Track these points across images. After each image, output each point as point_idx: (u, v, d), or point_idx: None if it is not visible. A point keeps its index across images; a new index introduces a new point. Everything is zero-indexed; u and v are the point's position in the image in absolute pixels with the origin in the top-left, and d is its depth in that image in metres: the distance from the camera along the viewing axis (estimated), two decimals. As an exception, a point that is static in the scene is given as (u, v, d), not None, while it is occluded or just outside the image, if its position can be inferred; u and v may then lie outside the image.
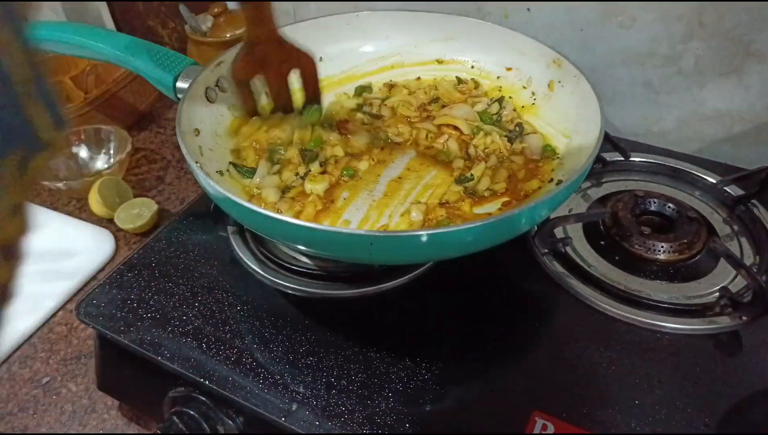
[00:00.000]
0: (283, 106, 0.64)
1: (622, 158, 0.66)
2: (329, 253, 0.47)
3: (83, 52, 0.63)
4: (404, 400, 0.45)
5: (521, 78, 0.67)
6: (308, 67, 0.62)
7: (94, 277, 0.69)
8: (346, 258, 0.48)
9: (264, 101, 0.64)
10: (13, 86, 0.16)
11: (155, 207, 0.76)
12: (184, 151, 0.50)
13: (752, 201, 0.61)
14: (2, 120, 0.16)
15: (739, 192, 0.62)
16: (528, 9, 0.72)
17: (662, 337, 0.50)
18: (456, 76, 0.70)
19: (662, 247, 0.55)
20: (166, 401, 0.49)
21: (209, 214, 0.62)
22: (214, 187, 0.46)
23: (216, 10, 0.91)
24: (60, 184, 0.76)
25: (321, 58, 0.70)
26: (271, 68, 0.60)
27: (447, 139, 0.62)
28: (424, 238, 0.42)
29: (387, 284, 0.53)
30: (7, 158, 0.16)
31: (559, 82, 0.63)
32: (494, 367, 0.48)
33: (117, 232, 0.75)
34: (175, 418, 0.47)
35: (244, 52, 0.59)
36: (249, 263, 0.56)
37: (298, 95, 0.64)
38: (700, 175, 0.64)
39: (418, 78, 0.71)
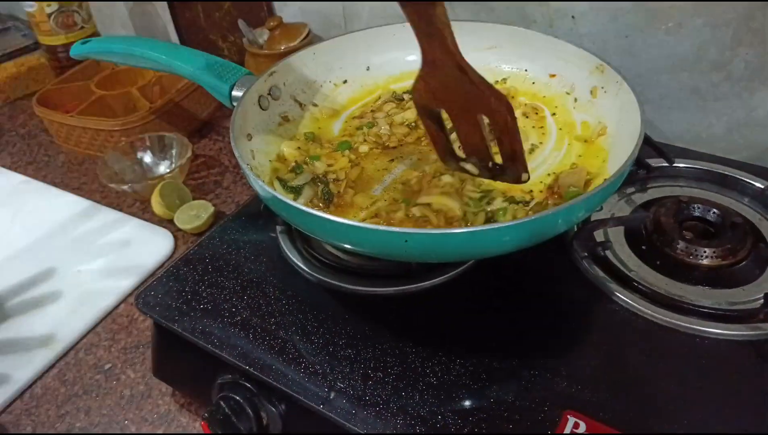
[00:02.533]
0: (476, 156, 0.51)
1: (667, 164, 0.65)
2: (367, 249, 0.49)
3: (149, 63, 0.69)
4: (438, 393, 0.46)
5: (564, 85, 0.68)
6: (501, 114, 0.45)
7: (153, 273, 0.74)
8: (383, 254, 0.50)
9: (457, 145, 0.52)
10: None
11: (212, 209, 0.80)
12: (236, 153, 0.53)
13: (803, 207, 0.59)
14: None
15: (790, 198, 0.60)
16: (572, 17, 0.73)
17: (702, 342, 0.49)
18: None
19: (705, 252, 0.55)
20: (214, 388, 0.53)
21: (260, 214, 0.66)
22: (263, 187, 0.49)
23: (272, 23, 0.96)
24: (125, 187, 0.82)
25: (368, 68, 0.74)
26: (455, 103, 0.47)
27: None
28: (458, 237, 0.44)
29: (425, 283, 0.55)
30: None
31: (602, 88, 0.63)
32: (529, 368, 0.49)
33: (176, 232, 0.80)
34: (222, 402, 0.50)
35: (421, 74, 0.47)
36: (295, 261, 0.59)
37: (493, 149, 0.50)
38: (749, 180, 0.63)
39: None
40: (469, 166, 0.52)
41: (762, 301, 0.51)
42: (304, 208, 0.46)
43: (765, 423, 0.43)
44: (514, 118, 0.45)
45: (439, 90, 0.47)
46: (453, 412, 0.45)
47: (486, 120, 0.47)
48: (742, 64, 0.65)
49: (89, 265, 0.76)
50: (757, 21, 0.62)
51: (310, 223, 0.48)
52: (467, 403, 0.46)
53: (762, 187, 0.62)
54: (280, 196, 0.47)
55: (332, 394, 0.47)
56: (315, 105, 0.68)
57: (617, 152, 0.58)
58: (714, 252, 0.55)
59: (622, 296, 0.53)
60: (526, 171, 0.49)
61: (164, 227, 0.81)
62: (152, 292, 0.57)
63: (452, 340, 0.51)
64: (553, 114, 0.66)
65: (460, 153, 0.52)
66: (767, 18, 0.61)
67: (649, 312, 0.51)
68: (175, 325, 0.54)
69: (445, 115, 0.50)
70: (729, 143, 0.70)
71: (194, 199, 0.84)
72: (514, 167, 0.49)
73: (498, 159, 0.49)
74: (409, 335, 0.51)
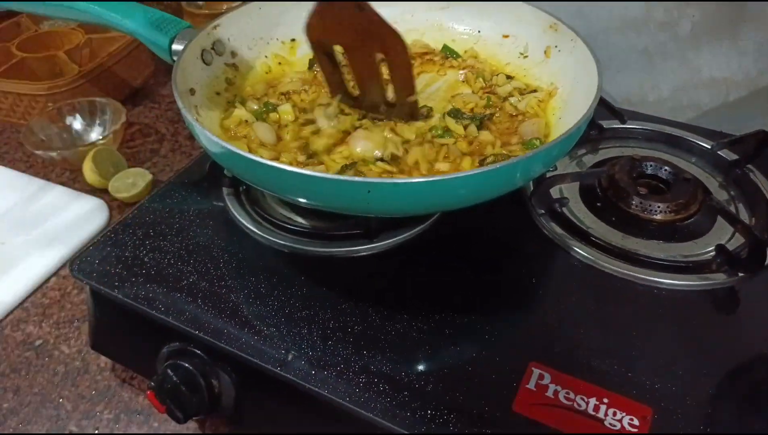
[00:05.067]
0: (370, 93, 0.54)
1: (619, 125, 0.66)
2: (328, 203, 0.46)
3: (79, 15, 0.63)
4: (400, 351, 0.45)
5: (518, 45, 0.67)
6: (396, 50, 0.48)
7: (87, 245, 0.69)
8: (344, 208, 0.47)
9: (348, 79, 0.55)
10: None
11: (149, 177, 0.75)
12: (180, 106, 0.49)
13: (748, 166, 0.61)
14: None
15: (734, 156, 0.62)
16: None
17: (659, 292, 0.50)
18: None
19: (659, 207, 0.55)
20: (160, 357, 0.49)
21: (204, 177, 0.62)
22: (212, 139, 0.45)
23: (212, -17, 0.91)
24: (53, 154, 0.75)
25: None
26: (351, 39, 0.49)
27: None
28: (419, 186, 0.42)
29: (381, 243, 0.53)
30: None
31: (556, 46, 0.63)
32: (492, 322, 0.48)
33: (111, 201, 0.75)
34: (169, 371, 0.46)
35: (317, 10, 0.49)
36: (245, 223, 0.55)
37: (386, 84, 0.54)
38: (696, 141, 0.65)
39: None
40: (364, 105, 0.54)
41: (713, 252, 0.52)
42: (260, 159, 0.43)
43: (717, 366, 0.44)
44: (408, 55, 0.49)
45: (335, 26, 0.48)
46: (417, 369, 0.44)
47: (380, 56, 0.49)
48: (689, 24, 0.66)
49: (15, 238, 0.69)
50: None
51: (265, 175, 0.45)
52: (431, 359, 0.45)
53: (708, 147, 0.64)
54: (232, 148, 0.44)
55: (290, 356, 0.44)
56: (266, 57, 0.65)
57: (572, 110, 0.58)
58: (667, 207, 0.55)
59: (580, 251, 0.53)
60: (416, 105, 0.52)
61: (97, 197, 0.75)
62: (88, 259, 0.53)
63: (413, 299, 0.49)
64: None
65: (354, 91, 0.53)
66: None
67: (607, 265, 0.51)
68: (115, 292, 0.49)
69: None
70: (675, 105, 0.72)
71: (129, 167, 0.78)
72: (407, 105, 0.51)
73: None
74: (368, 295, 0.49)
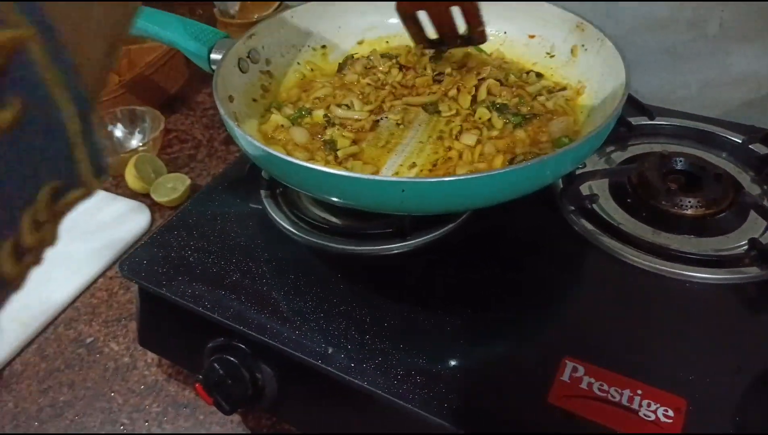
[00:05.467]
0: (448, 40, 0.66)
1: (648, 121, 0.66)
2: (363, 203, 0.48)
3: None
4: (436, 345, 0.46)
5: (545, 45, 0.68)
6: (469, 3, 0.61)
7: (132, 247, 0.72)
8: (378, 207, 0.49)
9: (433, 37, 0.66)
10: (65, 133, 0.18)
11: (188, 181, 0.78)
12: (222, 113, 0.52)
13: (780, 160, 0.61)
14: (54, 152, 0.17)
15: (766, 150, 0.62)
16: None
17: (691, 286, 0.50)
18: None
19: (690, 202, 0.56)
20: (206, 352, 0.51)
21: (242, 179, 0.64)
22: (252, 142, 0.48)
23: (244, -7, 0.94)
24: (98, 161, 0.79)
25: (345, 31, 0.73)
26: (432, 2, 0.62)
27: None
28: (451, 185, 0.43)
29: (413, 241, 0.55)
30: (47, 185, 0.17)
31: (583, 46, 0.64)
32: (524, 318, 0.49)
33: (152, 205, 0.78)
34: (215, 364, 0.49)
35: None
36: (282, 223, 0.57)
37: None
38: (727, 136, 0.65)
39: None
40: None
41: (746, 246, 0.52)
42: (298, 161, 0.45)
43: (750, 360, 0.45)
44: (477, 4, 0.61)
45: None
46: (452, 363, 0.45)
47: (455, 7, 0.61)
48: (717, 22, 0.66)
49: (63, 243, 0.72)
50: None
51: (302, 177, 0.47)
52: (466, 353, 0.46)
53: (739, 141, 0.64)
54: (272, 151, 0.46)
55: (330, 349, 0.46)
56: (298, 63, 0.67)
57: (600, 108, 0.59)
58: (699, 202, 0.56)
59: (611, 246, 0.53)
60: (484, 32, 0.64)
61: (139, 201, 0.78)
62: (136, 259, 0.55)
63: (445, 295, 0.51)
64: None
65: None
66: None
67: (638, 260, 0.52)
68: (163, 290, 0.52)
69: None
70: (702, 101, 0.72)
71: (169, 172, 0.81)
72: (476, 35, 0.64)
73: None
74: (402, 292, 0.51)
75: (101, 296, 0.66)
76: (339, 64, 0.70)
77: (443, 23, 0.64)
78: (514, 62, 0.69)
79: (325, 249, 0.55)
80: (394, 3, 0.72)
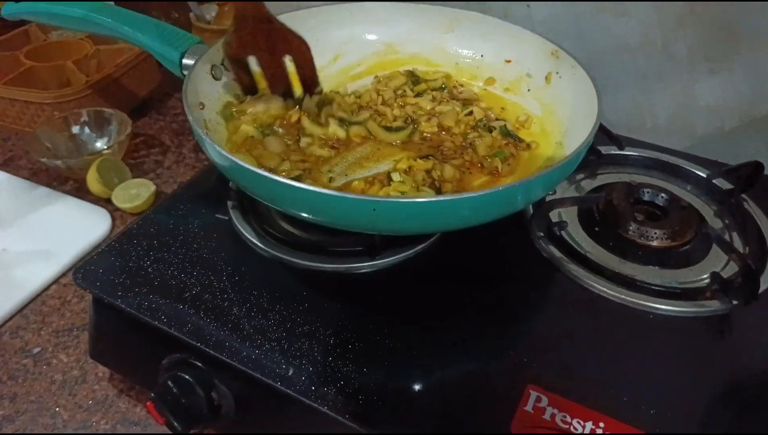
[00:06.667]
0: (281, 90, 0.63)
1: (617, 151, 0.67)
2: (334, 219, 0.47)
3: (92, 27, 0.64)
4: (400, 370, 0.45)
5: (520, 70, 0.69)
6: (302, 52, 0.61)
7: (89, 254, 0.69)
8: (349, 225, 0.48)
9: (264, 84, 0.63)
10: None
11: (153, 188, 0.76)
12: (191, 120, 0.50)
13: (742, 195, 0.62)
14: None
15: (728, 186, 0.63)
16: (528, 5, 0.74)
17: (655, 318, 0.50)
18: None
19: (655, 233, 0.56)
20: (160, 368, 0.49)
21: (209, 189, 0.62)
22: (220, 151, 0.46)
23: (220, -1, 0.93)
24: (58, 162, 0.76)
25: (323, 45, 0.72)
26: (263, 48, 0.60)
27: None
28: (424, 206, 0.43)
29: (382, 261, 0.54)
30: None
31: (557, 73, 0.64)
32: (490, 343, 0.48)
33: (114, 211, 0.75)
34: (169, 382, 0.47)
35: (234, 29, 0.59)
36: (249, 237, 0.56)
37: (296, 82, 0.64)
38: (692, 169, 0.66)
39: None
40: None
41: (708, 279, 0.53)
42: (268, 174, 0.44)
43: (710, 392, 0.45)
44: (309, 51, 0.61)
45: (250, 41, 0.59)
46: (416, 388, 0.44)
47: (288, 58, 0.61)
48: (685, 47, 0.68)
49: (16, 245, 0.70)
50: (698, 4, 0.65)
51: (272, 191, 0.45)
52: (430, 378, 0.45)
53: (704, 175, 0.65)
54: (241, 163, 0.45)
55: (291, 371, 0.45)
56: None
57: (571, 136, 0.59)
58: (664, 233, 0.56)
59: (578, 274, 0.53)
60: (319, 85, 0.64)
61: (100, 206, 0.76)
62: (92, 267, 0.53)
63: (412, 317, 0.50)
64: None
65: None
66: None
67: (604, 289, 0.52)
68: (117, 301, 0.50)
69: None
70: (671, 131, 0.73)
71: (133, 178, 0.79)
72: (310, 82, 0.63)
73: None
74: (369, 313, 0.50)
75: (53, 304, 0.64)
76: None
77: (276, 76, 0.62)
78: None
79: (291, 265, 0.54)
80: (372, 17, 0.72)
